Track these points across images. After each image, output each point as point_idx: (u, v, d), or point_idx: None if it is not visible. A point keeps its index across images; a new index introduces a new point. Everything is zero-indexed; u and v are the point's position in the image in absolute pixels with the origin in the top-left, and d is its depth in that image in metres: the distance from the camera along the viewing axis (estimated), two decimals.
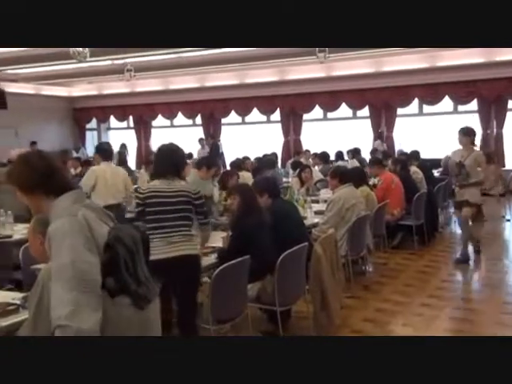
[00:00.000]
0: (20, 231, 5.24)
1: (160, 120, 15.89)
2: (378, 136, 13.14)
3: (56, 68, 11.64)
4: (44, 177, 2.14)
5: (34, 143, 13.25)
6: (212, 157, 11.69)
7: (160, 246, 3.29)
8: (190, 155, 13.20)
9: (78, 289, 1.87)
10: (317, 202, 6.74)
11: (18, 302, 2.89)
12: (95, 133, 17.42)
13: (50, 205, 2.14)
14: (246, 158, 9.74)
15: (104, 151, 6.29)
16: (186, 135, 15.22)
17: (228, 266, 3.39)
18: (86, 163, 10.25)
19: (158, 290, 2.20)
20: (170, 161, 3.49)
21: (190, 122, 15.69)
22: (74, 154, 14.24)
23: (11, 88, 13.78)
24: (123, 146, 14.65)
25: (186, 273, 3.35)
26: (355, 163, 9.64)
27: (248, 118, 14.88)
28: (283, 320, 3.92)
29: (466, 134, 6.02)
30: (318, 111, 13.95)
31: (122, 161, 13.48)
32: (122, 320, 2.01)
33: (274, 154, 11.43)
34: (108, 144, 6.57)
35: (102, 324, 1.90)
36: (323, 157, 10.01)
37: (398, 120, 13.19)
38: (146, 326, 2.08)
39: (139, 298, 2.06)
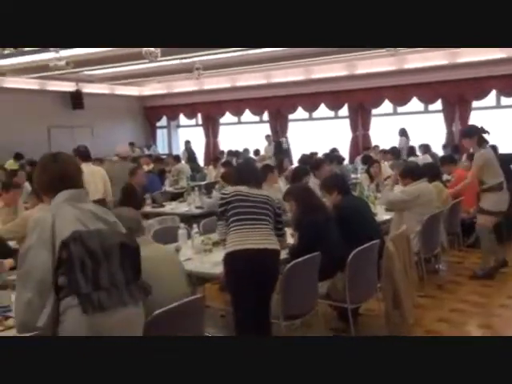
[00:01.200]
0: None
1: (227, 117, 16.07)
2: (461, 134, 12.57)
3: (128, 68, 12.05)
4: (55, 180, 2.26)
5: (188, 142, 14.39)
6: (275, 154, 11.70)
7: (239, 238, 3.36)
8: (257, 152, 13.28)
9: (27, 286, 2.07)
10: None
11: None
12: (165, 130, 17.89)
13: (47, 202, 2.28)
14: (313, 154, 9.67)
15: (82, 153, 6.84)
16: (253, 132, 15.33)
17: (299, 262, 3.38)
18: (158, 160, 10.56)
19: (132, 300, 2.16)
20: (252, 171, 3.76)
21: (257, 118, 15.77)
22: (146, 152, 14.69)
23: (87, 89, 14.42)
24: (188, 143, 14.96)
25: (265, 266, 3.36)
26: (428, 159, 9.33)
27: (315, 114, 14.76)
28: (353, 318, 3.86)
29: None
30: (387, 106, 13.62)
31: (191, 157, 13.79)
32: (69, 320, 2.03)
33: (335, 150, 11.28)
34: (85, 147, 7.14)
35: (53, 322, 1.99)
36: (394, 152, 9.76)
37: (473, 113, 12.62)
38: (98, 331, 2.03)
39: (88, 302, 2.04)
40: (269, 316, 3.42)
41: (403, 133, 12.72)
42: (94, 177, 6.64)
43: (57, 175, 2.26)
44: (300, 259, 3.41)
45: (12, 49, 7.63)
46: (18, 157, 11.69)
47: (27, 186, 7.27)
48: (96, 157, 11.90)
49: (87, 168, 6.48)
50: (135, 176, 6.78)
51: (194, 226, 4.45)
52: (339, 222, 3.99)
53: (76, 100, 14.30)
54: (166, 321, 2.57)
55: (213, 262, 3.74)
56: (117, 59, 10.27)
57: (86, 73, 12.53)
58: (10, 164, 11.28)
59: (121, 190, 7.17)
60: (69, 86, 14.01)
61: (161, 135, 17.91)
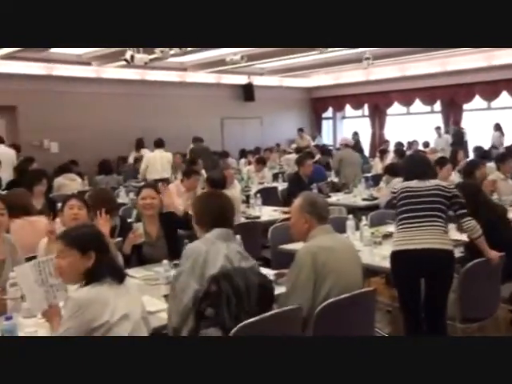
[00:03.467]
0: (267, 213, 5.68)
1: (395, 107, 15.53)
2: None
3: (298, 60, 12.26)
4: (214, 216, 2.58)
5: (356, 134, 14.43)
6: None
7: (403, 237, 3.22)
8: (427, 144, 12.64)
9: (175, 307, 2.43)
10: None
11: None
12: (331, 122, 17.90)
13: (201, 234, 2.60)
14: (493, 147, 8.90)
15: (158, 142, 9.21)
16: (422, 123, 14.60)
17: (479, 262, 3.13)
18: (325, 152, 10.60)
19: None
20: (423, 164, 3.49)
21: (427, 108, 14.99)
22: (312, 143, 14.87)
23: (258, 81, 15.01)
24: (356, 134, 14.78)
25: (437, 267, 3.17)
26: None
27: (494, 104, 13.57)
28: None
29: None
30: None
31: (359, 148, 13.62)
32: None
33: None
34: (160, 139, 9.28)
35: None
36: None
37: None
38: None
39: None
40: (442, 316, 3.23)
41: (498, 128, 11.90)
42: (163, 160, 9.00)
43: (217, 213, 2.58)
44: (481, 259, 3.16)
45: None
46: (196, 141, 12.57)
47: (203, 173, 7.82)
48: (266, 147, 12.49)
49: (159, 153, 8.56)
50: (303, 166, 6.90)
51: (363, 218, 4.39)
52: None
53: (247, 92, 14.97)
54: (336, 311, 2.57)
55: (382, 255, 3.66)
56: (288, 52, 10.51)
57: (257, 66, 13.03)
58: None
59: (289, 179, 7.39)
60: (241, 79, 14.72)
61: (326, 126, 17.97)
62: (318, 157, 10.25)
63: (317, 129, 17.65)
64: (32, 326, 2.48)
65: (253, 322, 2.21)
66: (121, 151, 11.83)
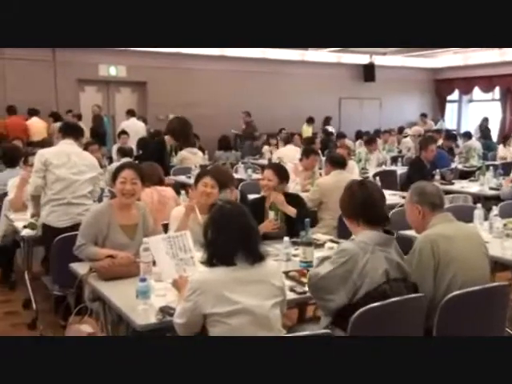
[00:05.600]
0: (386, 197, 5.51)
1: None
2: None
3: None
4: (362, 206, 2.41)
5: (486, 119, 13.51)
6: None
7: None
8: None
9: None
10: None
11: None
12: (455, 105, 16.91)
13: (358, 231, 2.42)
14: None
15: None
16: None
17: None
18: (449, 137, 10.01)
19: None
20: None
21: None
22: (433, 127, 14.17)
23: (380, 61, 14.53)
24: (485, 120, 13.82)
25: None
26: None
27: None
28: None
29: None
30: None
31: (485, 135, 12.75)
32: None
33: None
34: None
35: None
36: None
37: None
38: None
39: None
40: None
41: None
42: None
43: (361, 202, 2.43)
44: None
45: None
46: (309, 121, 12.57)
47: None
48: (385, 129, 12.11)
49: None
50: (426, 150, 6.63)
51: (494, 208, 4.11)
52: None
53: (368, 72, 14.58)
54: (464, 304, 2.45)
55: None
56: None
57: None
58: (305, 130, 12.24)
59: (410, 163, 7.13)
60: (363, 59, 14.35)
61: (450, 110, 16.99)
62: (440, 142, 9.76)
63: (440, 112, 16.77)
64: (162, 290, 2.64)
65: (373, 308, 2.19)
66: (239, 128, 12.12)
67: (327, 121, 13.53)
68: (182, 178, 6.99)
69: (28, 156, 5.00)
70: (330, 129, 12.70)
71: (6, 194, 4.74)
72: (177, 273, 2.59)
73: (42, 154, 3.95)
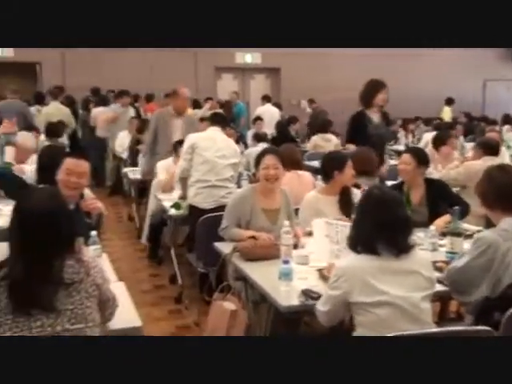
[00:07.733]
0: None
1: None
2: None
3: None
4: (503, 192, 2.24)
5: None
6: None
7: None
8: None
9: None
10: None
11: None
12: None
13: (499, 219, 2.23)
14: None
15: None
16: None
17: None
18: None
19: None
20: None
21: None
22: None
23: None
24: None
25: None
26: None
27: None
28: None
29: None
30: None
31: None
32: None
33: None
34: None
35: None
36: None
37: None
38: None
39: None
40: None
41: None
42: None
43: (502, 187, 2.26)
44: None
45: None
46: (449, 102, 11.82)
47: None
48: None
49: None
50: None
51: None
52: None
53: None
54: None
55: None
56: None
57: None
58: (445, 112, 11.57)
59: None
60: None
61: None
62: None
63: None
64: (303, 273, 2.67)
65: None
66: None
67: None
68: (315, 164, 6.97)
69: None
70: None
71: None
72: (330, 256, 2.68)
73: (191, 138, 4.28)
